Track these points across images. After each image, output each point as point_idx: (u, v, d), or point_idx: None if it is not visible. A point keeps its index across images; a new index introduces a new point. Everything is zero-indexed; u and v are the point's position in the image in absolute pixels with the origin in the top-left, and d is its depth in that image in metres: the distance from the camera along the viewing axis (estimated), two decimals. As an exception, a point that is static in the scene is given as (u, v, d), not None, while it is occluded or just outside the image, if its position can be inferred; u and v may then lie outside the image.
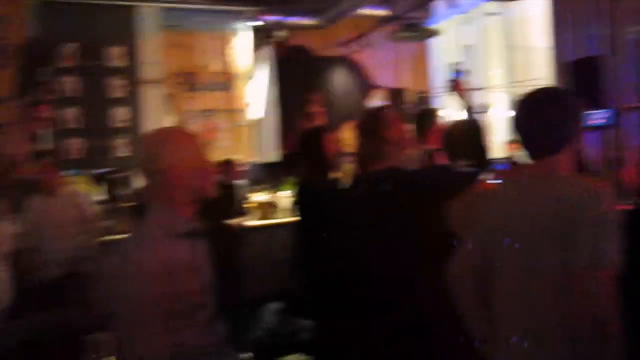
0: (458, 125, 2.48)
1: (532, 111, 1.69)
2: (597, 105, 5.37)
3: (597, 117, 5.40)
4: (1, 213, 1.39)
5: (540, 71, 6.69)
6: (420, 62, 9.05)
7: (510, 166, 3.01)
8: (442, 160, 3.12)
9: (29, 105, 1.35)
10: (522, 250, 1.64)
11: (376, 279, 2.27)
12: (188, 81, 6.66)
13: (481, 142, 2.10)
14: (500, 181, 2.42)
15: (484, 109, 7.02)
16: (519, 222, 1.66)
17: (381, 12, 7.72)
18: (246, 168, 5.83)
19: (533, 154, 1.70)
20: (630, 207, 2.07)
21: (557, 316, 1.56)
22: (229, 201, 4.73)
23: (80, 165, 6.21)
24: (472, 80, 5.61)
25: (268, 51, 7.57)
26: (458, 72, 2.26)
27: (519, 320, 1.66)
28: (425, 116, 3.39)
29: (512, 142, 7.22)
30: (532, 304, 1.62)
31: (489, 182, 2.37)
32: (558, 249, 1.55)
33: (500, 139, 6.46)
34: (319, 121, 5.56)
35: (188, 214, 1.67)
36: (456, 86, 2.25)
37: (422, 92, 9.05)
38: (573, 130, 1.68)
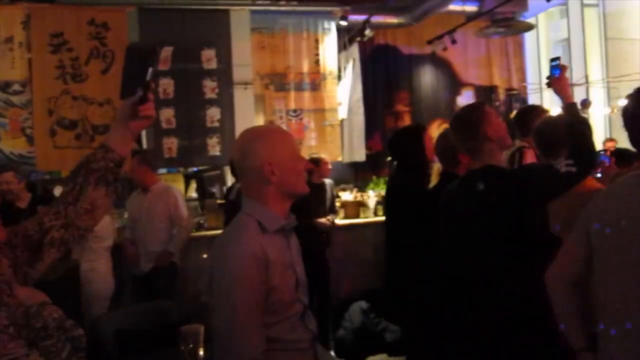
0: (557, 122, 2.36)
1: None
2: None
3: None
4: (109, 208, 1.47)
5: (641, 65, 6.29)
6: (514, 58, 8.72)
7: (608, 159, 2.84)
8: (533, 157, 3.00)
9: (134, 106, 1.41)
10: (629, 254, 1.54)
11: (467, 280, 2.20)
12: (277, 81, 6.79)
13: (585, 140, 1.98)
14: (599, 175, 2.28)
15: (583, 105, 6.67)
16: (626, 223, 1.56)
17: (470, 8, 7.53)
18: (332, 167, 5.86)
19: (643, 152, 1.60)
20: None
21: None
22: (318, 199, 4.76)
23: (174, 163, 6.49)
24: (570, 76, 5.35)
25: (354, 50, 7.58)
26: (556, 69, 2.14)
27: (625, 328, 1.55)
28: (528, 113, 3.26)
29: (609, 140, 6.83)
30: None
31: (592, 179, 2.25)
32: None
33: (597, 136, 6.13)
34: (405, 120, 5.50)
35: (281, 211, 1.68)
36: (555, 83, 2.13)
37: (512, 89, 8.74)
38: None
